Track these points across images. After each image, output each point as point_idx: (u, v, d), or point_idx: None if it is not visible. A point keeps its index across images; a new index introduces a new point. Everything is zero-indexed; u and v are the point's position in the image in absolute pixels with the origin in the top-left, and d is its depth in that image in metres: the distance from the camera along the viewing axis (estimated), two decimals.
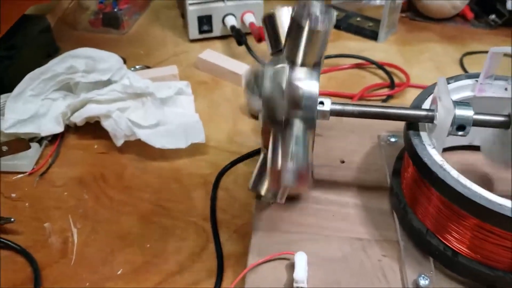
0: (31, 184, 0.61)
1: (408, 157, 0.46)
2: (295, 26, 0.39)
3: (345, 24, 0.93)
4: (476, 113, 0.43)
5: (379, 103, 0.73)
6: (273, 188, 0.46)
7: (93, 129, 0.67)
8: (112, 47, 0.83)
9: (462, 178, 0.41)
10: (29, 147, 0.61)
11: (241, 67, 0.79)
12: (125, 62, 0.75)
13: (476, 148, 0.57)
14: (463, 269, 0.44)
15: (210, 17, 0.87)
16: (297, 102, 0.40)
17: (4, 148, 0.60)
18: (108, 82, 0.68)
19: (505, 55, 0.49)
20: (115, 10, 0.94)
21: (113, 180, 0.62)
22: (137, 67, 0.81)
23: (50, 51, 0.83)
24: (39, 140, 0.66)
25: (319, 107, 0.44)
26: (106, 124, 0.65)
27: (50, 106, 0.67)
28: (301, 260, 0.45)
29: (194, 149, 0.64)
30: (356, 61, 0.83)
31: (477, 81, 0.51)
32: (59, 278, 0.51)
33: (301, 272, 0.44)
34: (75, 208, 0.59)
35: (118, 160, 0.65)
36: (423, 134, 0.45)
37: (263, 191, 0.48)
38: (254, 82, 0.41)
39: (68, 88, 0.69)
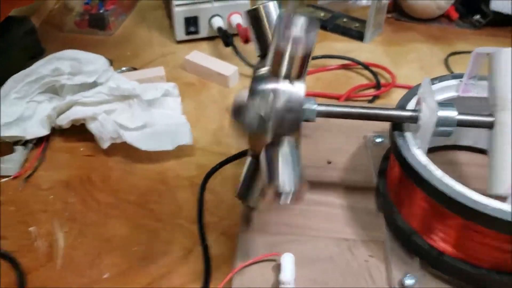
0: (16, 188, 0.61)
1: (394, 157, 0.46)
2: (276, 50, 0.39)
3: (332, 25, 0.93)
4: (459, 114, 0.44)
5: (366, 104, 0.74)
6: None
7: (79, 131, 0.66)
8: (98, 49, 0.83)
9: (446, 178, 0.41)
10: (13, 151, 0.61)
11: (228, 69, 0.79)
12: (111, 63, 0.75)
13: (461, 148, 0.58)
14: (448, 268, 0.44)
15: (196, 18, 0.87)
16: (284, 127, 0.40)
17: None
18: (94, 84, 0.68)
19: (489, 55, 0.50)
20: (101, 11, 0.93)
21: (99, 183, 0.62)
22: (124, 68, 0.81)
23: (35, 53, 0.82)
24: (25, 143, 0.65)
25: (305, 106, 0.44)
26: (92, 126, 0.64)
27: (36, 109, 0.67)
28: (287, 261, 0.45)
29: (181, 151, 0.64)
30: (343, 61, 0.83)
31: (461, 81, 0.52)
32: (45, 282, 0.50)
33: (287, 273, 0.44)
34: (61, 211, 0.58)
35: (104, 163, 0.64)
36: (408, 135, 0.45)
37: (250, 202, 0.48)
38: (239, 114, 0.41)
39: (54, 90, 0.69)
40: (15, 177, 0.62)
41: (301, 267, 0.46)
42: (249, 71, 0.81)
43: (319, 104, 0.45)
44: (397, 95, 0.74)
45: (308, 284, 0.46)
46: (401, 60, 0.85)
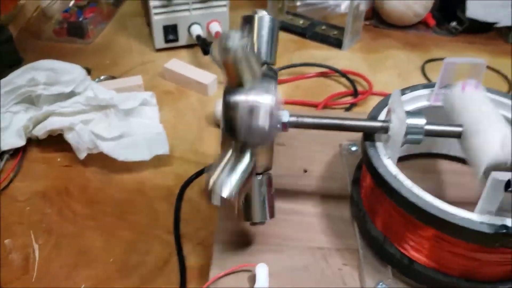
0: None
1: (365, 167, 0.47)
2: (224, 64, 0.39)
3: (311, 33, 0.94)
4: (428, 123, 0.44)
5: (343, 112, 0.74)
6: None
7: (56, 142, 0.66)
8: (77, 57, 0.83)
9: (415, 188, 0.42)
10: None
11: (207, 77, 0.79)
12: (89, 72, 0.75)
13: (435, 156, 0.59)
14: (419, 276, 0.45)
15: (175, 26, 0.87)
16: (253, 138, 0.41)
17: None
18: (72, 94, 0.68)
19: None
20: (80, 19, 0.93)
21: (77, 193, 0.62)
22: (102, 77, 0.81)
23: (13, 62, 0.81)
24: (0, 154, 0.65)
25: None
26: (69, 136, 0.64)
27: (12, 120, 0.66)
28: (262, 272, 0.45)
29: (159, 161, 0.64)
30: (322, 69, 0.84)
31: (433, 90, 0.53)
32: None
33: (261, 284, 0.44)
34: (38, 223, 0.58)
35: (82, 173, 0.64)
36: (379, 145, 0.46)
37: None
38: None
39: (30, 100, 0.69)
40: None
41: (276, 277, 0.47)
42: None
43: (290, 115, 0.46)
44: (374, 102, 0.74)
45: None
46: (379, 67, 0.86)
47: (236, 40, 0.36)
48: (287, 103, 0.73)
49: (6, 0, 0.88)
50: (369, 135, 0.47)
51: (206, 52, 0.83)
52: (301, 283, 0.47)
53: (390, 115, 0.46)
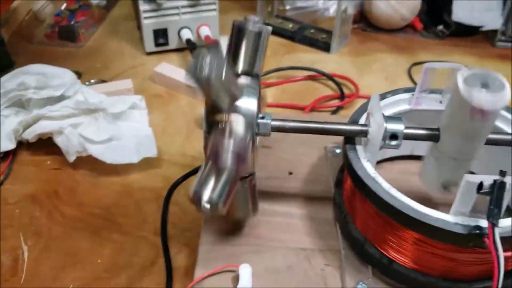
0: None
1: (346, 169, 0.48)
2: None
3: (300, 36, 0.95)
4: (406, 127, 0.46)
5: (329, 115, 0.75)
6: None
7: (46, 145, 0.67)
8: (69, 61, 0.84)
9: (393, 190, 0.43)
10: None
11: None
12: (80, 76, 0.76)
13: (417, 158, 0.60)
14: (398, 276, 0.46)
15: (165, 30, 0.88)
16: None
17: None
18: (62, 98, 0.69)
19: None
20: (72, 23, 0.94)
21: (66, 196, 0.63)
22: (92, 81, 0.82)
23: (4, 66, 0.82)
24: None
25: (260, 121, 0.45)
26: (58, 140, 0.65)
27: (2, 123, 0.67)
28: (245, 272, 0.47)
29: (147, 163, 0.65)
30: (309, 72, 0.85)
31: (413, 94, 0.54)
32: None
33: (244, 284, 0.45)
34: (27, 225, 0.59)
35: (71, 176, 0.65)
36: (359, 148, 0.47)
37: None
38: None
39: (20, 104, 0.69)
40: None
41: (260, 278, 0.48)
42: None
43: (273, 119, 0.47)
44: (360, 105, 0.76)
45: None
46: (366, 70, 0.88)
47: (206, 69, 0.36)
48: (274, 106, 0.74)
49: None
50: (350, 138, 0.48)
51: None
52: (284, 284, 0.48)
53: (369, 119, 0.47)
